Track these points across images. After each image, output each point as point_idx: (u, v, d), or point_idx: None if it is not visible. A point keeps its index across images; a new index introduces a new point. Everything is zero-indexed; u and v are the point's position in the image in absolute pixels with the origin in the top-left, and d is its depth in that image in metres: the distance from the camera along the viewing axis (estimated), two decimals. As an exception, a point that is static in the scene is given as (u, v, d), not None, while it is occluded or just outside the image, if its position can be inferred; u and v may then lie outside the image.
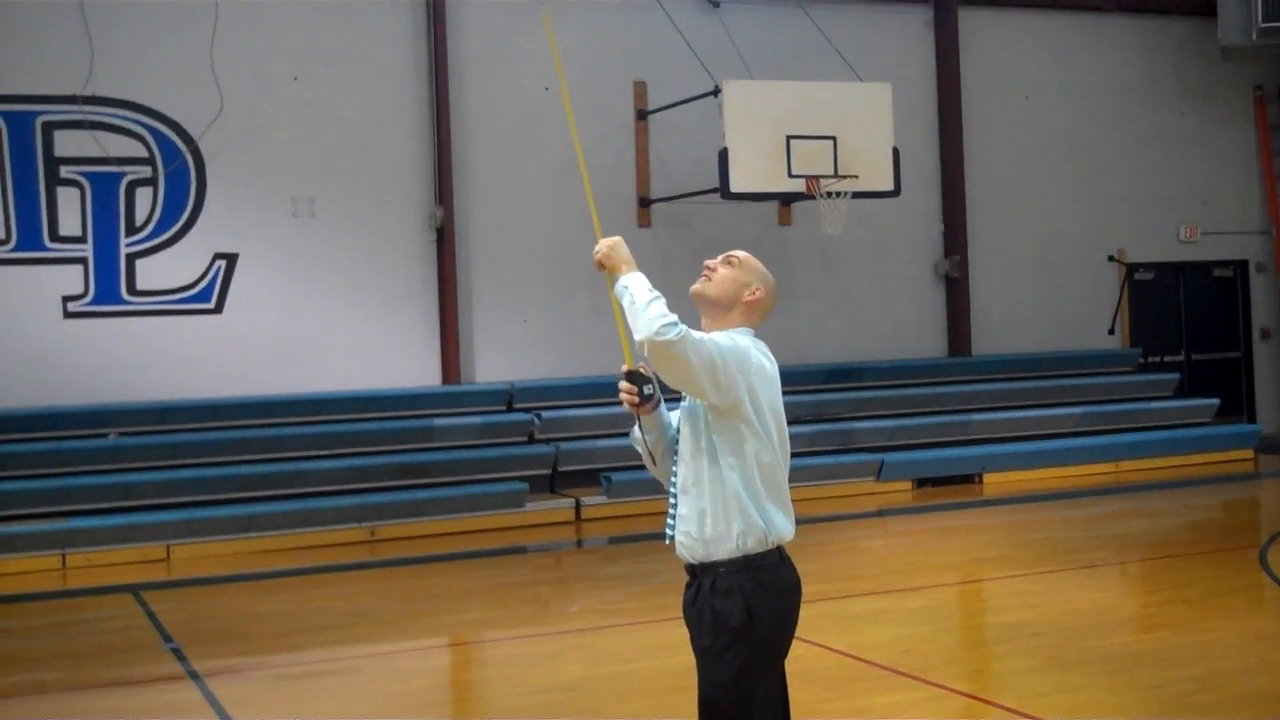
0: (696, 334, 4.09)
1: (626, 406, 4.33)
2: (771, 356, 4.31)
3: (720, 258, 4.43)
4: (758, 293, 4.36)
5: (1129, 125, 17.79)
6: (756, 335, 4.36)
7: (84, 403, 13.12)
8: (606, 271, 4.26)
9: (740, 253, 4.45)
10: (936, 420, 15.53)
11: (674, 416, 4.43)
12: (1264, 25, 16.30)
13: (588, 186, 4.68)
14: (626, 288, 4.13)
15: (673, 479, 4.34)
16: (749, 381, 4.17)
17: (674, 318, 4.03)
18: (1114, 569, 10.72)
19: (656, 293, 4.08)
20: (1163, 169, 17.95)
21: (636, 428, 4.39)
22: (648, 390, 4.27)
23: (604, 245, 4.25)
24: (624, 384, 4.28)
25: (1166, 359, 17.97)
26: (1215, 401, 16.72)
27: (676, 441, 4.37)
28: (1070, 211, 17.44)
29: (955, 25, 16.77)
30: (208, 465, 12.94)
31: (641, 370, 4.27)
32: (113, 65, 13.39)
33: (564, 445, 13.97)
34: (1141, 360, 17.55)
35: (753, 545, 4.16)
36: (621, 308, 4.14)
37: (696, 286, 4.37)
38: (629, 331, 4.13)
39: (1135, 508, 13.76)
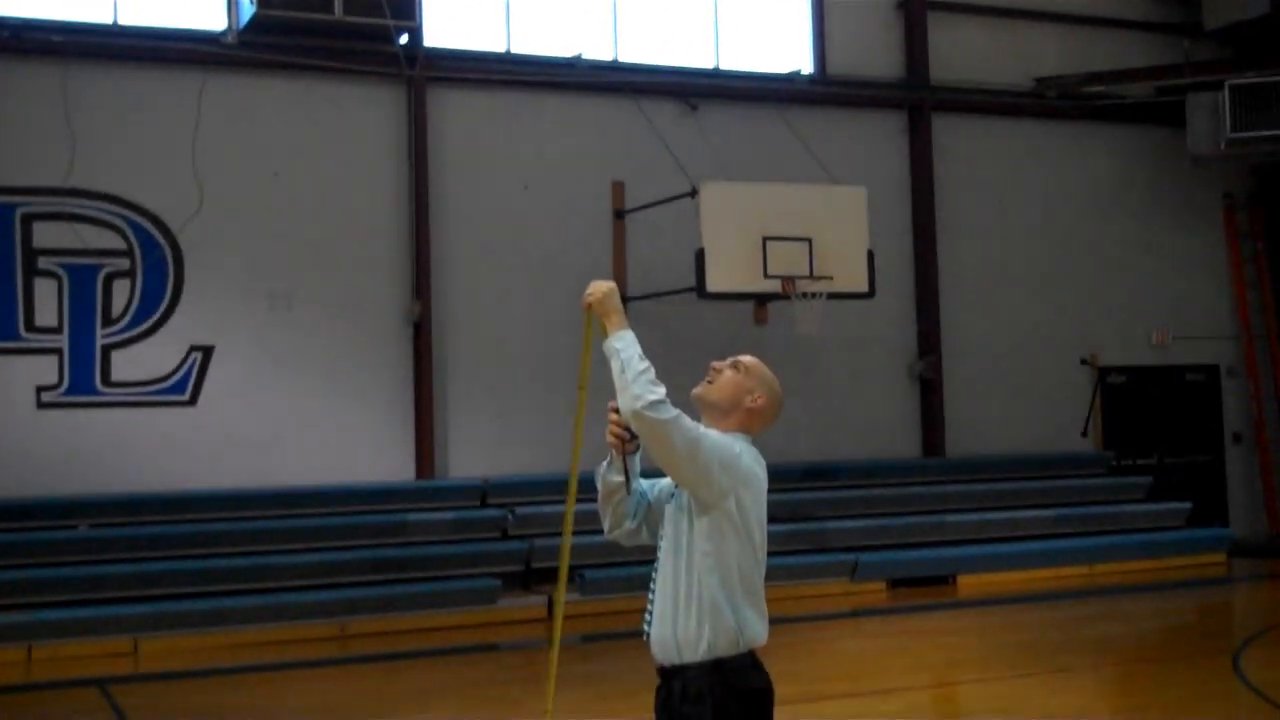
0: (688, 421, 4.10)
1: (610, 441, 4.29)
2: (763, 463, 4.30)
3: (728, 361, 4.41)
4: (759, 400, 4.34)
5: (1101, 231, 18.01)
6: (752, 442, 4.35)
7: (55, 494, 13.01)
8: (592, 314, 4.24)
9: (748, 358, 4.42)
10: (911, 521, 15.52)
11: (647, 484, 4.43)
12: (1232, 136, 16.58)
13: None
14: (618, 350, 4.11)
15: (653, 575, 4.32)
16: (735, 484, 4.16)
17: (664, 396, 4.02)
18: (1089, 673, 10.68)
19: (647, 363, 4.07)
20: (1134, 274, 18.13)
21: (606, 464, 4.36)
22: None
23: (598, 289, 4.22)
24: (614, 416, 4.24)
25: (1139, 462, 18.01)
26: (1188, 505, 16.75)
27: (640, 507, 4.36)
28: (1043, 315, 17.57)
29: (929, 130, 17.01)
30: (177, 558, 12.80)
31: None
32: (94, 158, 13.44)
33: (538, 541, 13.86)
34: (1114, 463, 17.61)
35: (724, 648, 4.12)
36: (610, 366, 4.12)
37: (698, 390, 4.36)
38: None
39: (1109, 611, 13.73)
